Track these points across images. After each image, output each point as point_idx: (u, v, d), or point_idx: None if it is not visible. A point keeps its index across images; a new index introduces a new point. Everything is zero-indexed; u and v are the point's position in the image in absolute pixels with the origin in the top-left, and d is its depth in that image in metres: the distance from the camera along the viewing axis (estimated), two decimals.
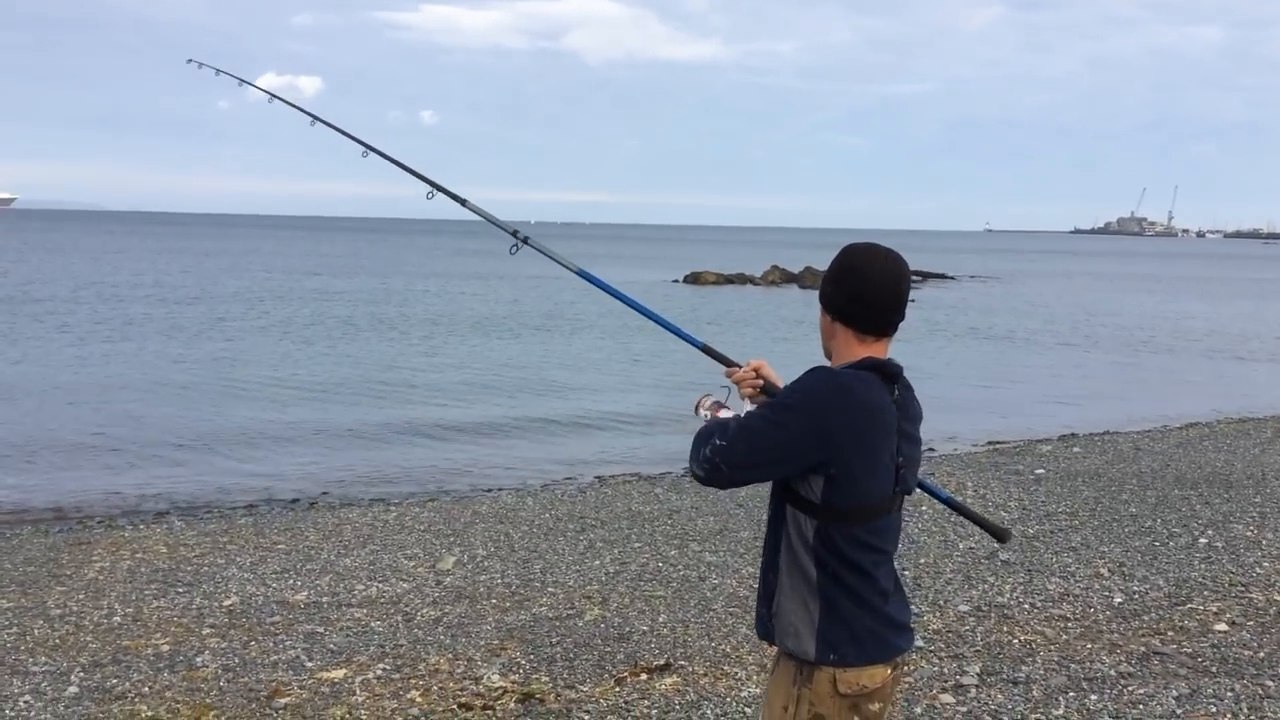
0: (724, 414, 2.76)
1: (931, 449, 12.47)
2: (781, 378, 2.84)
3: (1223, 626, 5.97)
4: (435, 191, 3.92)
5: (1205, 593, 6.61)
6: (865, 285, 2.54)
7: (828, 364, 2.63)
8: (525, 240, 3.57)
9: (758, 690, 5.07)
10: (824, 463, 2.45)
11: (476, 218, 3.81)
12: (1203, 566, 7.18)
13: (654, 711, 4.87)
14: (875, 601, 2.53)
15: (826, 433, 2.43)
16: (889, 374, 2.55)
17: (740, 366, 2.86)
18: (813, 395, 2.47)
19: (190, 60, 5.11)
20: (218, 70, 5.09)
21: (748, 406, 2.79)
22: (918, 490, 2.80)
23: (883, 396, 2.52)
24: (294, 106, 4.67)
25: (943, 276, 58.41)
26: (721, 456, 2.49)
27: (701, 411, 2.80)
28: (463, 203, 3.86)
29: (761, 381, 2.80)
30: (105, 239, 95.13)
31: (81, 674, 5.39)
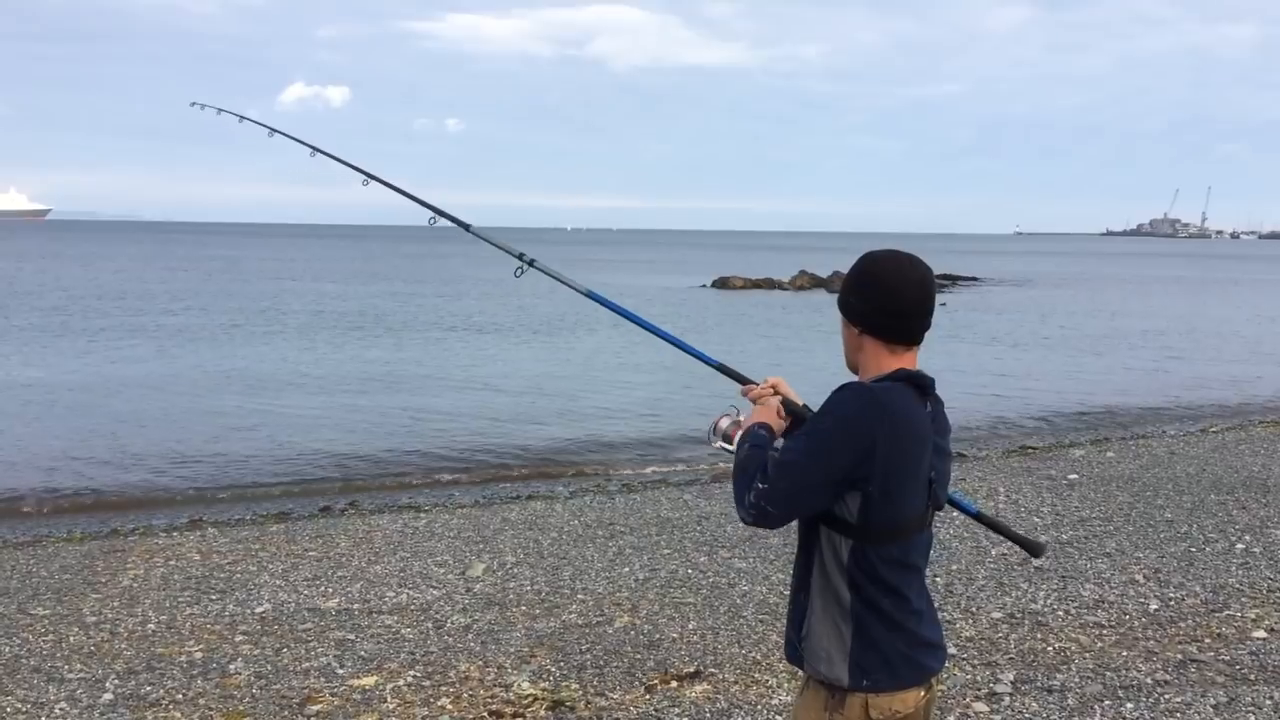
0: (740, 434, 2.69)
1: (961, 454, 12.38)
2: (802, 393, 2.81)
3: (1261, 633, 5.88)
4: (438, 218, 3.91)
5: (1243, 599, 6.52)
6: (890, 294, 2.46)
7: (854, 378, 2.56)
8: (531, 263, 3.50)
9: (788, 698, 5.05)
10: (862, 479, 2.37)
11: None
12: (1240, 572, 7.09)
13: (685, 719, 4.85)
14: (909, 623, 2.47)
15: (865, 451, 2.36)
16: (922, 386, 2.48)
17: (757, 384, 2.80)
18: (847, 416, 2.39)
19: (194, 104, 5.26)
20: (219, 110, 5.16)
21: None
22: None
23: (918, 409, 2.46)
24: (295, 140, 4.70)
25: (972, 280, 58.05)
26: (766, 500, 2.40)
27: (719, 429, 2.73)
28: (466, 228, 3.81)
29: (781, 398, 2.74)
30: (138, 249, 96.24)
31: (116, 681, 5.44)
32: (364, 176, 4.32)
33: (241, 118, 5.07)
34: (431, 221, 3.93)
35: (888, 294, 2.47)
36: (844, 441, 2.36)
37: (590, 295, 3.36)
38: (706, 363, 3.12)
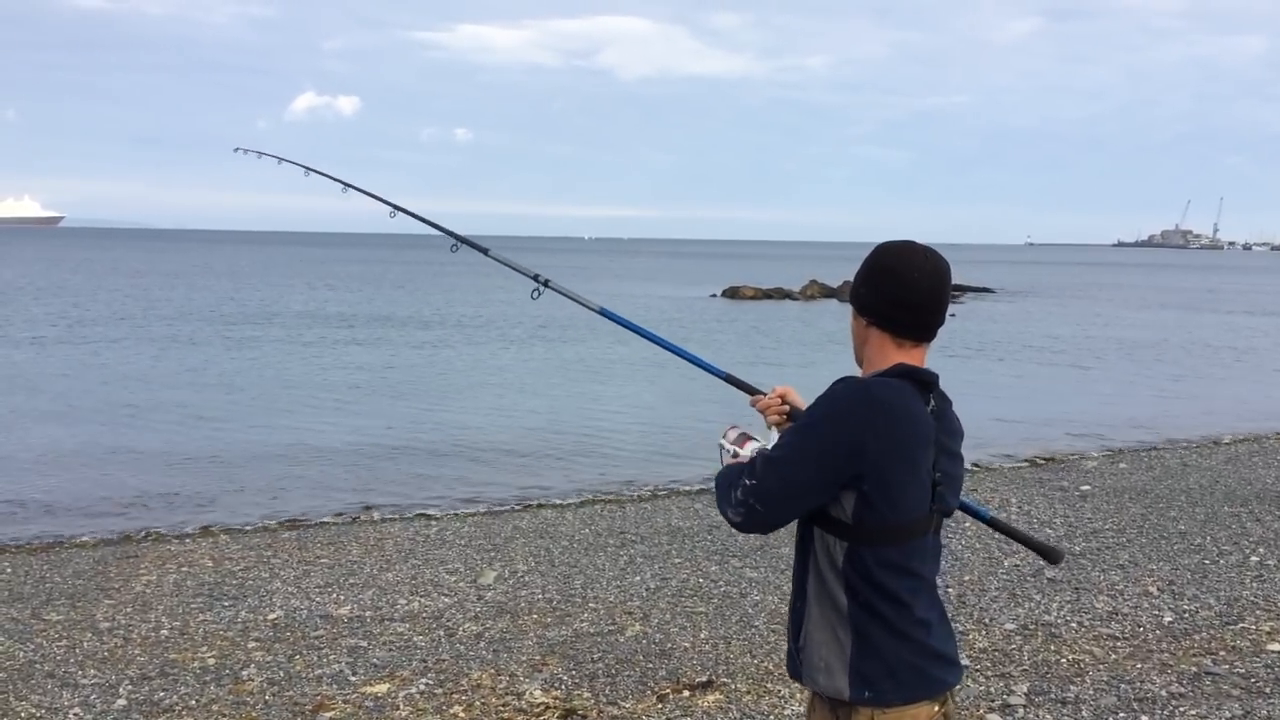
0: (750, 445, 2.63)
1: (975, 465, 12.35)
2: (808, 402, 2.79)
3: (1276, 647, 5.85)
4: (460, 245, 4.03)
5: (1258, 612, 6.48)
6: (903, 286, 2.35)
7: (856, 373, 2.47)
8: (546, 283, 3.56)
9: (801, 709, 5.04)
10: (856, 478, 2.26)
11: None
12: (1254, 585, 7.05)
13: None
14: (914, 632, 2.33)
15: (857, 446, 2.25)
16: (923, 381, 2.36)
17: (765, 394, 2.75)
18: (837, 410, 2.29)
19: (237, 149, 5.53)
20: (260, 154, 5.43)
21: (775, 436, 2.66)
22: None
23: (917, 405, 2.33)
24: (327, 176, 4.87)
25: (984, 290, 57.91)
26: (755, 496, 2.31)
27: (727, 442, 2.68)
28: (485, 253, 3.94)
29: (788, 408, 2.69)
30: (155, 257, 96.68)
31: (130, 687, 5.46)
32: (391, 209, 4.51)
33: (280, 160, 5.29)
34: (453, 249, 4.05)
35: (900, 285, 2.36)
36: (835, 436, 2.27)
37: (603, 313, 3.41)
38: (715, 374, 3.13)
